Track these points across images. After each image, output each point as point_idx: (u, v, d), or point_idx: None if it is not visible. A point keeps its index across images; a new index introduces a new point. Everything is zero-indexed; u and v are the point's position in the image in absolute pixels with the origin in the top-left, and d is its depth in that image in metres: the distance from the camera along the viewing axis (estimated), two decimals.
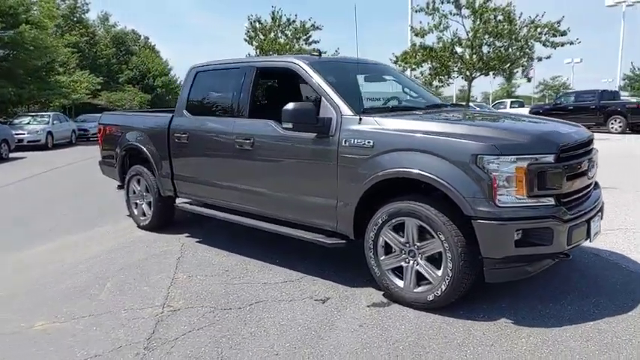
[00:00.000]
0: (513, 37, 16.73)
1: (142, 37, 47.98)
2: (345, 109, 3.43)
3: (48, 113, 19.92)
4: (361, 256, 3.38)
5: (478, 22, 16.67)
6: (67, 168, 12.33)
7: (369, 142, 3.22)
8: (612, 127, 17.82)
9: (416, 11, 18.00)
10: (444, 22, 17.13)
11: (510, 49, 17.23)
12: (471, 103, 22.79)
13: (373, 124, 3.29)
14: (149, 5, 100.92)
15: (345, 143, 3.33)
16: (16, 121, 19.20)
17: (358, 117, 3.36)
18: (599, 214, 3.31)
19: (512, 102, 30.79)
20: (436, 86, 18.81)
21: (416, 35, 17.88)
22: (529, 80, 26.46)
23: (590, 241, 3.17)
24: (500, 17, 16.51)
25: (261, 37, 23.27)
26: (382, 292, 3.35)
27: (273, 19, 22.97)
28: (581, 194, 3.14)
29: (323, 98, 3.57)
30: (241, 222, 4.21)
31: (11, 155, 15.11)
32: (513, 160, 2.77)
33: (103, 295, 3.56)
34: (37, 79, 24.01)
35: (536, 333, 2.78)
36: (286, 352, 2.67)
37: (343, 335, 2.83)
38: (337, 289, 3.51)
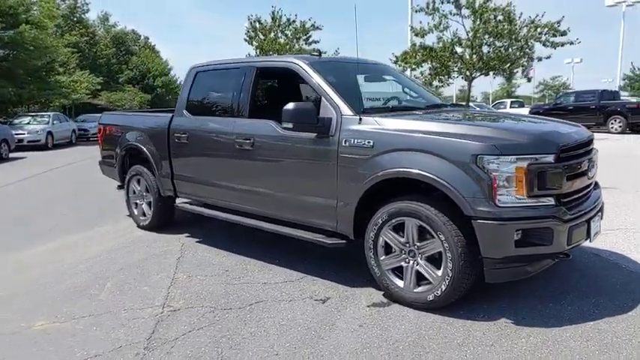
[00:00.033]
0: (513, 37, 16.74)
1: (142, 37, 48.03)
2: (345, 109, 3.43)
3: (48, 113, 19.92)
4: (361, 256, 3.38)
5: (478, 22, 16.67)
6: (67, 168, 12.33)
7: (369, 142, 3.22)
8: (612, 127, 17.82)
9: (416, 11, 18.00)
10: (444, 22, 17.15)
11: (510, 49, 17.24)
12: (470, 103, 22.79)
13: (373, 124, 3.29)
14: (149, 5, 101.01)
15: (345, 143, 3.33)
16: (16, 121, 19.20)
17: (358, 117, 3.36)
18: (599, 214, 3.31)
19: (512, 102, 30.80)
20: (436, 86, 18.81)
21: (416, 35, 17.88)
22: (529, 80, 26.48)
23: (590, 241, 3.17)
24: (500, 17, 16.52)
25: (261, 37, 23.28)
26: (382, 292, 3.35)
27: (273, 19, 22.99)
28: (581, 194, 3.14)
29: (323, 98, 3.57)
30: (241, 222, 4.21)
31: (11, 155, 15.11)
32: (513, 160, 2.77)
33: (102, 295, 3.56)
34: (37, 79, 24.02)
35: (536, 333, 2.78)
36: (286, 352, 2.67)
37: (343, 335, 2.83)
38: (337, 289, 3.51)
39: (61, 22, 31.82)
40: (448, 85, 20.99)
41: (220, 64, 4.66)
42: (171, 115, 4.81)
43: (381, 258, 3.25)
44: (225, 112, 4.33)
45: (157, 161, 4.90)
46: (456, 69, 18.64)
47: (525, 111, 22.61)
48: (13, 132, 16.53)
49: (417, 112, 3.80)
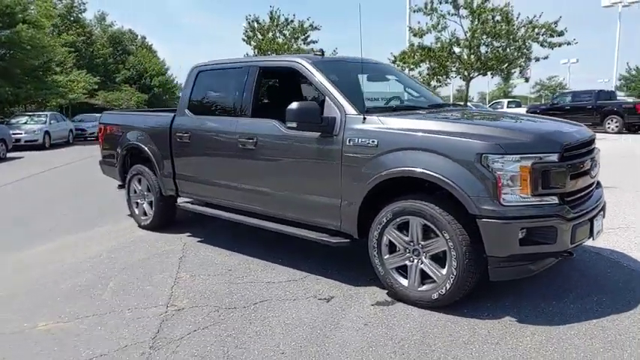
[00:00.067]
0: (511, 37, 16.75)
1: (139, 37, 47.89)
2: (349, 109, 3.44)
3: (45, 113, 19.84)
4: (365, 255, 3.39)
5: (476, 23, 16.68)
6: (65, 168, 12.28)
7: (373, 142, 3.23)
8: (609, 127, 17.90)
9: (414, 11, 17.98)
10: (442, 23, 17.12)
11: (508, 50, 17.26)
12: (468, 103, 22.84)
13: (377, 123, 3.30)
14: (146, 5, 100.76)
15: (349, 142, 3.34)
16: (13, 120, 19.12)
17: (362, 116, 3.36)
18: (602, 212, 3.33)
19: (509, 102, 30.86)
20: (434, 86, 18.82)
21: (414, 35, 17.87)
22: (527, 80, 26.58)
23: (593, 239, 3.19)
24: (498, 17, 16.52)
25: (260, 36, 23.24)
26: (386, 291, 3.36)
27: (271, 19, 22.95)
28: (584, 193, 3.15)
29: (327, 98, 3.57)
30: (244, 221, 4.21)
31: (9, 155, 15.04)
32: (518, 159, 2.78)
33: (105, 294, 3.55)
34: (34, 79, 23.90)
35: (540, 331, 2.80)
36: (293, 350, 2.67)
37: (349, 334, 2.83)
38: (341, 288, 3.51)
39: (58, 22, 31.69)
40: (446, 85, 21.02)
41: (222, 63, 4.66)
42: (172, 114, 4.81)
43: (385, 257, 3.26)
44: (228, 112, 4.33)
45: (159, 161, 4.90)
46: (454, 69, 18.64)
47: (522, 111, 22.62)
48: (11, 132, 16.44)
49: (420, 112, 3.81)
